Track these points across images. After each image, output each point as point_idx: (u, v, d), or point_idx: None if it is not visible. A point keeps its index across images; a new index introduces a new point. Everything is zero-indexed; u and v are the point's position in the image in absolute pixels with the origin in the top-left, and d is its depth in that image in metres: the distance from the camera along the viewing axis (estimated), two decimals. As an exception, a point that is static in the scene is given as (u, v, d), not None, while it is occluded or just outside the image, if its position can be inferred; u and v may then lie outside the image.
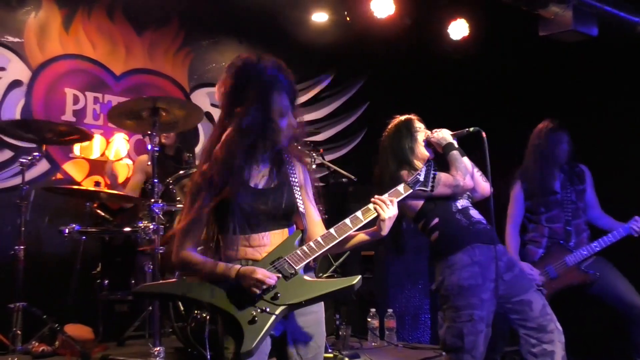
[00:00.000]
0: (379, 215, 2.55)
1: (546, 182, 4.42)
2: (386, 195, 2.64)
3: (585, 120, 5.83)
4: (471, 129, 3.42)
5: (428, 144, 3.52)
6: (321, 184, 6.60)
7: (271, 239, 2.51)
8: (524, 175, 4.48)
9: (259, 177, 2.55)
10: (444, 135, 3.47)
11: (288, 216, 2.56)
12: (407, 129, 3.55)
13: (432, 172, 2.80)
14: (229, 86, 2.58)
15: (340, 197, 5.97)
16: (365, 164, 7.24)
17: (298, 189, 2.59)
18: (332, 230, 2.54)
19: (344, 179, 5.58)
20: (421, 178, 2.77)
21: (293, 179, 2.60)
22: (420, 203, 3.42)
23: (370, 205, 2.58)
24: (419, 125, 3.58)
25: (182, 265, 2.50)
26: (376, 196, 2.60)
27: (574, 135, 4.49)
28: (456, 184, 3.30)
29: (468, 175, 3.32)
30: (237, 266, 2.39)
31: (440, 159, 3.45)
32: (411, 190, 2.71)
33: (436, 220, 3.38)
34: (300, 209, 2.58)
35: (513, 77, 6.70)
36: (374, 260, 5.78)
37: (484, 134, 3.33)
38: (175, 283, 2.59)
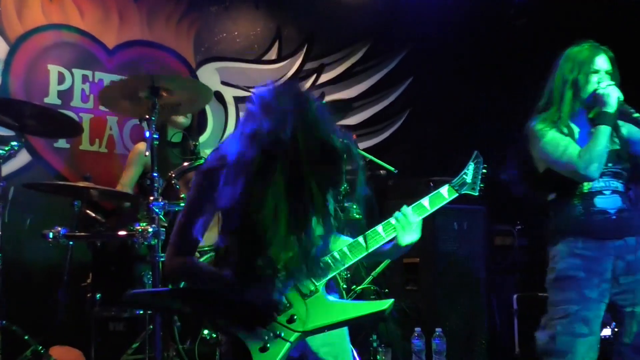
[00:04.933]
0: (397, 234, 2.57)
1: None
2: (422, 201, 2.66)
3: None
4: (636, 115, 3.32)
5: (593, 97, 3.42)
6: (352, 177, 6.55)
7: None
8: None
9: None
10: (610, 99, 3.33)
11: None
12: (582, 61, 3.45)
13: (482, 170, 2.83)
14: None
15: (378, 193, 5.92)
16: (408, 152, 7.27)
17: None
18: (360, 239, 2.56)
19: (382, 171, 5.55)
20: (468, 179, 2.80)
21: None
22: (544, 167, 3.45)
23: (393, 220, 2.60)
24: (602, 65, 3.44)
25: (174, 273, 2.56)
26: (403, 209, 2.60)
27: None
28: (573, 169, 3.28)
29: (595, 165, 3.25)
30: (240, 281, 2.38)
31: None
32: (456, 195, 2.75)
33: (553, 196, 3.45)
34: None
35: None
36: (420, 269, 5.76)
37: None
38: (173, 292, 2.64)
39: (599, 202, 3.35)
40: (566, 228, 3.35)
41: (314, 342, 2.52)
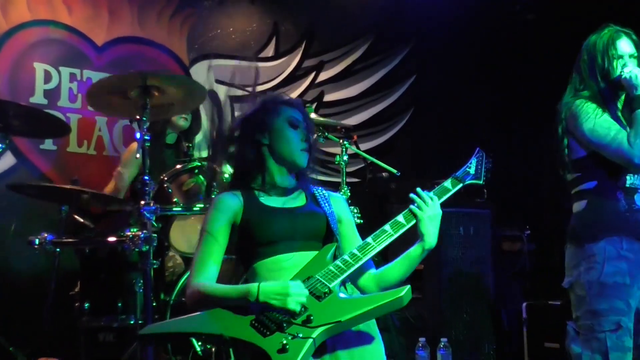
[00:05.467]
0: (416, 215, 2.70)
1: None
2: (430, 192, 2.79)
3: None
4: None
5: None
6: (355, 180, 6.57)
7: (301, 260, 2.70)
8: None
9: (279, 198, 2.83)
10: (638, 81, 3.25)
11: (318, 238, 2.80)
12: (604, 47, 3.36)
13: (485, 162, 2.95)
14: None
15: (380, 197, 5.94)
16: (411, 154, 7.26)
17: (332, 216, 2.83)
18: (369, 239, 2.70)
19: (384, 174, 5.55)
20: (471, 170, 2.92)
21: (325, 205, 2.86)
22: (587, 151, 3.31)
23: (413, 207, 2.73)
24: (625, 49, 3.35)
25: (194, 298, 2.68)
26: (417, 190, 2.73)
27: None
28: (626, 158, 3.17)
29: None
30: (255, 285, 2.54)
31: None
32: (461, 184, 2.87)
33: (593, 184, 3.29)
34: (336, 232, 2.81)
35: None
36: (424, 276, 5.75)
37: None
38: (188, 318, 2.70)
39: (639, 200, 3.27)
40: (611, 224, 3.21)
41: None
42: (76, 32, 5.81)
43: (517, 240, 6.53)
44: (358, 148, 5.56)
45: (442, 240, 5.49)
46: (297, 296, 2.47)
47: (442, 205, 2.83)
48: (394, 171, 5.33)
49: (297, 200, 2.87)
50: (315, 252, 2.71)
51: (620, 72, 3.31)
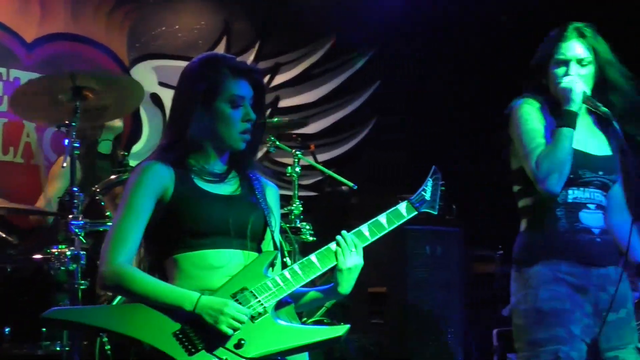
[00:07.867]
0: (337, 261, 2.68)
1: None
2: (379, 218, 2.78)
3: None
4: (604, 109, 3.16)
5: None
6: (312, 194, 6.57)
7: (232, 260, 2.62)
8: None
9: (214, 182, 2.71)
10: (573, 95, 3.13)
11: (254, 236, 2.71)
12: (548, 52, 3.29)
13: (440, 187, 2.95)
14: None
15: (339, 212, 5.93)
16: (373, 166, 7.26)
17: (267, 210, 2.76)
18: (313, 257, 2.67)
19: (343, 187, 5.54)
20: (427, 196, 2.91)
21: (260, 196, 2.78)
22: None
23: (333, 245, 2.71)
24: (570, 52, 3.24)
25: (117, 280, 2.56)
26: (343, 233, 2.71)
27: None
28: (533, 178, 3.10)
29: (555, 175, 3.06)
30: (197, 294, 2.47)
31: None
32: (416, 212, 2.86)
33: (531, 200, 3.22)
34: (271, 229, 2.76)
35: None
36: (387, 300, 5.74)
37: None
38: (104, 310, 2.75)
39: (584, 217, 3.18)
40: (549, 245, 3.15)
41: None
42: (2, 27, 5.77)
43: (489, 262, 6.54)
44: (315, 159, 5.55)
45: (407, 260, 5.61)
46: (232, 318, 2.41)
47: (407, 222, 2.82)
48: (350, 184, 5.32)
49: (232, 185, 2.75)
50: (249, 254, 2.65)
51: (559, 80, 3.23)
